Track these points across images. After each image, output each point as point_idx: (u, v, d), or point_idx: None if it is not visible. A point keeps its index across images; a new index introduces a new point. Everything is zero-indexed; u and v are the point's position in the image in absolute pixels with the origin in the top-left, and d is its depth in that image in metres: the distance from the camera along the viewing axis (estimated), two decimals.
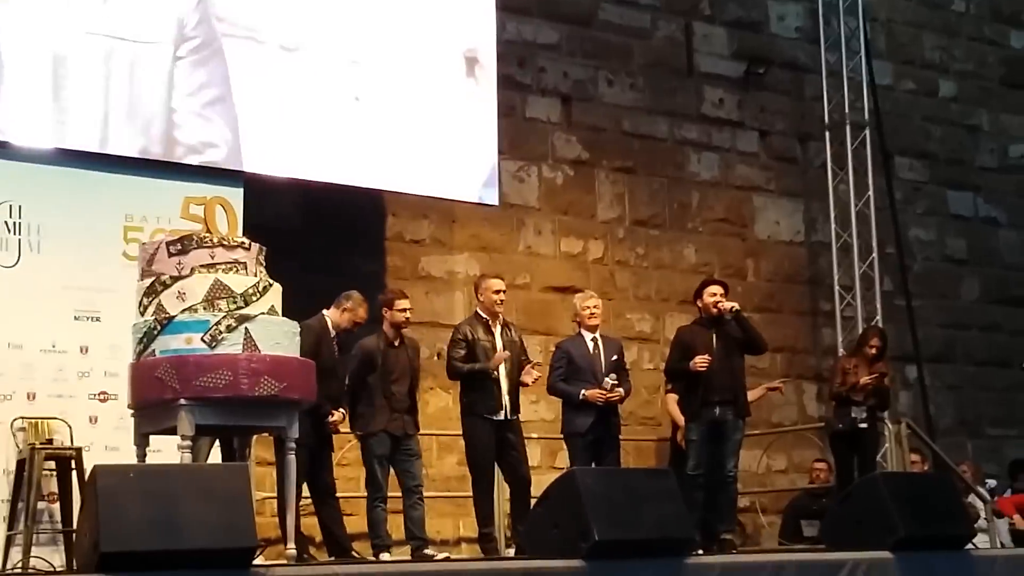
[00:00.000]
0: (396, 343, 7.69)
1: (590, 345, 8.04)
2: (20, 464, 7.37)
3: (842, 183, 11.92)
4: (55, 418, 7.54)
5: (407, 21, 9.28)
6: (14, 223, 7.76)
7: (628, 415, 10.14)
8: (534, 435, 9.21)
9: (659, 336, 11.02)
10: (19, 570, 7.15)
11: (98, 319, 7.85)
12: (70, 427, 7.54)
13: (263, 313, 5.84)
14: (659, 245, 11.35)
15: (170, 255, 5.89)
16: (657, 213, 11.40)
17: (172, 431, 5.71)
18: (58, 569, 7.10)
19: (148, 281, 5.88)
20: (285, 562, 6.07)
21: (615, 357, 8.07)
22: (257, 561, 5.25)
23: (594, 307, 8.13)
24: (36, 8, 7.84)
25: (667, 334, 10.42)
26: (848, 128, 11.91)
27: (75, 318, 7.84)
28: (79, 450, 7.39)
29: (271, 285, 5.98)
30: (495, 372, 7.66)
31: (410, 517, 7.54)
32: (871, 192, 11.85)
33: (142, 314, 5.86)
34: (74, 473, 7.34)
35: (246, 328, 5.71)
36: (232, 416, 5.79)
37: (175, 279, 5.81)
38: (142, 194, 8.16)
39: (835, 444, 9.23)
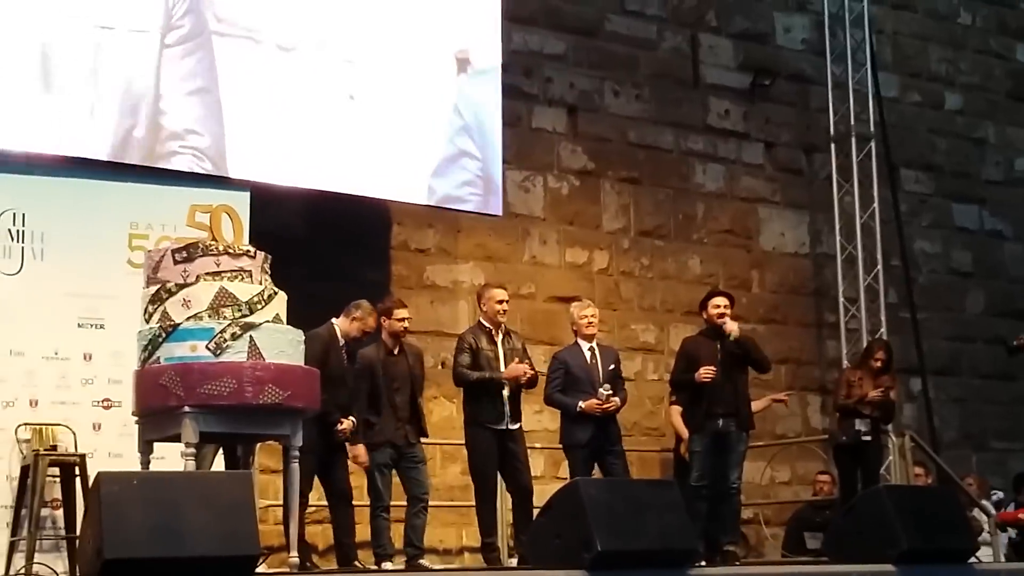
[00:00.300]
0: (395, 352, 7.67)
1: (587, 355, 8.00)
2: (24, 470, 7.38)
3: (847, 195, 11.91)
4: (59, 424, 7.55)
5: (405, 21, 9.27)
6: (18, 231, 7.77)
7: (632, 426, 10.15)
8: (537, 445, 9.19)
9: (663, 347, 11.01)
10: None
11: (102, 326, 7.85)
12: (74, 434, 7.55)
13: (268, 321, 5.86)
14: (664, 256, 11.34)
15: (175, 262, 5.91)
16: (662, 224, 11.40)
17: (176, 438, 5.72)
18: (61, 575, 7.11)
19: (153, 288, 5.89)
20: (288, 570, 6.08)
21: (612, 366, 8.03)
22: (260, 569, 5.26)
23: (591, 316, 8.09)
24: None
25: (671, 345, 10.42)
26: (854, 140, 11.89)
27: (79, 325, 7.84)
28: (83, 457, 7.40)
29: (276, 293, 5.99)
30: (508, 384, 7.65)
31: (411, 525, 7.52)
32: (876, 204, 11.83)
33: (147, 321, 5.87)
34: (78, 480, 7.36)
35: (251, 336, 5.72)
36: (236, 424, 5.81)
37: (180, 287, 5.83)
38: (148, 201, 8.16)
39: (839, 456, 9.22)
